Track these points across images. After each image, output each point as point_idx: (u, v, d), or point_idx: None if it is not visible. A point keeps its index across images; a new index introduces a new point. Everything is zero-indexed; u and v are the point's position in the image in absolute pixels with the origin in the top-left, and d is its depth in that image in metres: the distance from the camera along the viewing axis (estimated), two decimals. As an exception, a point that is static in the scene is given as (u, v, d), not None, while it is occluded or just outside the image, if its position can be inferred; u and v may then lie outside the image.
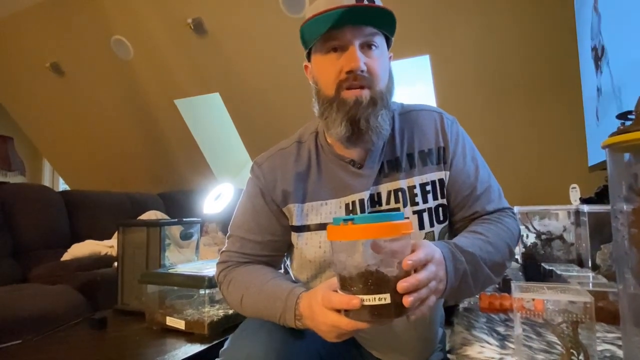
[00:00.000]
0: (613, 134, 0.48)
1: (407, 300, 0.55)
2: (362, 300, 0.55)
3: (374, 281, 0.56)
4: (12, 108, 4.23)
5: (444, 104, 2.58)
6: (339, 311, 0.61)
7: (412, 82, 2.86)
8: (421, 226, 0.84)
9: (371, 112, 0.78)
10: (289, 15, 2.61)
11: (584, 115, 2.05)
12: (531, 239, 1.29)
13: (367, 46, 0.78)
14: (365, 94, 0.77)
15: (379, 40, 0.80)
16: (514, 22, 2.27)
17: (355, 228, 0.56)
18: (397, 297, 0.56)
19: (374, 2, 0.76)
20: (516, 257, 1.38)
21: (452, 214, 0.89)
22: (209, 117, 3.72)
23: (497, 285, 1.20)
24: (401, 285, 0.55)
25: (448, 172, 0.86)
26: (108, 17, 3.13)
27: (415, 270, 0.60)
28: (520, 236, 0.90)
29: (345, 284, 0.58)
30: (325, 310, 0.62)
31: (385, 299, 0.55)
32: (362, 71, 0.76)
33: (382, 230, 0.56)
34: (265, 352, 0.71)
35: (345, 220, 0.57)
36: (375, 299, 0.55)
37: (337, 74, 0.78)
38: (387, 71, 0.83)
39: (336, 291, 0.61)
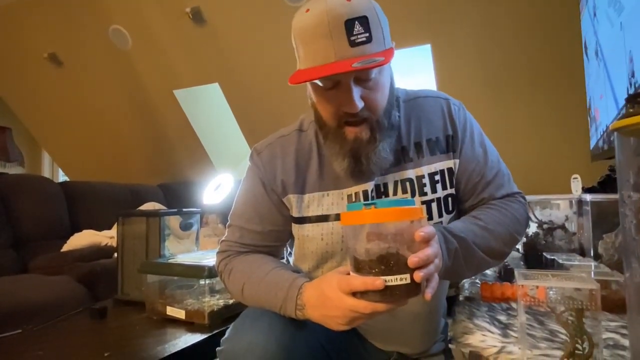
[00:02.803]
0: (622, 117, 0.46)
1: (418, 276, 0.57)
2: (385, 280, 0.57)
3: (395, 262, 0.58)
4: (10, 98, 4.20)
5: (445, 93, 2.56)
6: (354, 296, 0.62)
7: (412, 72, 2.82)
8: (430, 217, 0.82)
9: (371, 148, 0.77)
10: (289, 4, 2.58)
11: (587, 104, 2.03)
12: (533, 228, 1.28)
13: (363, 79, 0.73)
14: (365, 130, 0.76)
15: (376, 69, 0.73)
16: (516, 11, 2.24)
17: (376, 212, 0.58)
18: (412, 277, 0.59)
19: (367, 51, 0.69)
20: (517, 246, 1.38)
21: (461, 202, 0.88)
22: (208, 108, 3.69)
23: (497, 274, 1.19)
24: (412, 260, 0.57)
25: (457, 161, 0.85)
26: (106, 7, 3.09)
27: None
28: (528, 221, 0.89)
29: (364, 267, 0.59)
30: (342, 294, 0.62)
31: (406, 279, 0.57)
32: (360, 109, 0.73)
33: (403, 213, 0.58)
34: (266, 341, 0.70)
35: (367, 204, 0.59)
36: (397, 279, 0.57)
37: (335, 109, 0.75)
38: (387, 89, 0.78)
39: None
